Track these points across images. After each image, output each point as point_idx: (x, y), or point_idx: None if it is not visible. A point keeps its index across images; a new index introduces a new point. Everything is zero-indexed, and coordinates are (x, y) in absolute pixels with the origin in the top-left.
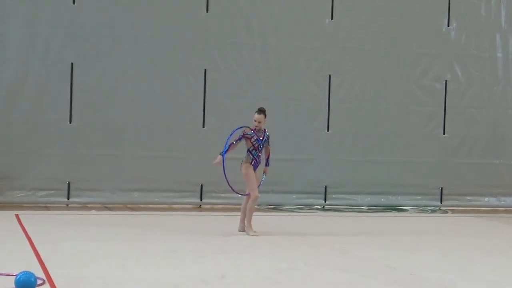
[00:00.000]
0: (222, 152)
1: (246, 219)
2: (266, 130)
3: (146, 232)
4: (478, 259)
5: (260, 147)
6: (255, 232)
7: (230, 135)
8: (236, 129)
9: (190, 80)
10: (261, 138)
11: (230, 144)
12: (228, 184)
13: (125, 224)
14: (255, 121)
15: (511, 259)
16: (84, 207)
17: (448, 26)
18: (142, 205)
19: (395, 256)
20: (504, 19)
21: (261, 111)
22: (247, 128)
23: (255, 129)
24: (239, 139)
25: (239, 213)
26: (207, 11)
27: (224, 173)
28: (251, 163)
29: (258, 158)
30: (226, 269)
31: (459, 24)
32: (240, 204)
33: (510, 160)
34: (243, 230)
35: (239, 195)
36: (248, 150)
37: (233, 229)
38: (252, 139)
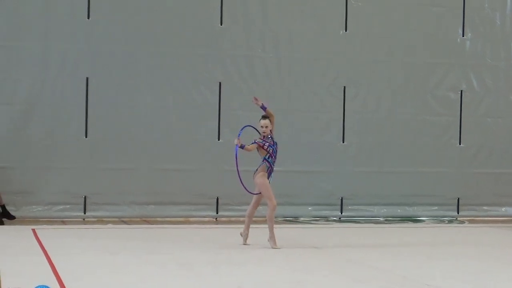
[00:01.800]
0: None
1: (269, 229)
2: (272, 136)
3: (162, 245)
4: (495, 269)
5: (275, 152)
6: (276, 245)
7: (240, 131)
8: (245, 126)
9: (204, 93)
10: (272, 144)
11: (249, 148)
12: (239, 178)
13: (141, 238)
14: (262, 126)
15: None
16: (101, 221)
17: (463, 36)
18: (158, 218)
19: (411, 267)
20: None
21: (266, 116)
22: (257, 139)
23: (263, 137)
24: (253, 143)
25: (254, 225)
26: (221, 24)
27: (236, 163)
28: (267, 171)
29: (274, 166)
30: (242, 281)
31: (474, 34)
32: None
33: None
34: (246, 239)
35: (249, 193)
36: (265, 159)
37: (249, 241)
38: (265, 146)
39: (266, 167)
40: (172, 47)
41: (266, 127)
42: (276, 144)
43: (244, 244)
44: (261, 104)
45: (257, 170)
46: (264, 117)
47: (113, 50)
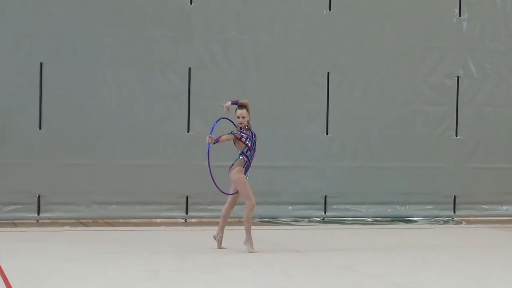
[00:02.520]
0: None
1: (245, 232)
2: (252, 127)
3: (126, 250)
4: (495, 273)
5: (253, 145)
6: (253, 249)
7: (214, 125)
8: (218, 119)
9: (173, 80)
10: (250, 135)
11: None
12: (212, 177)
13: (102, 241)
14: (238, 117)
15: None
16: (56, 222)
17: (460, 16)
18: (121, 220)
19: (403, 272)
20: None
21: (242, 106)
22: (234, 131)
23: (241, 128)
24: (230, 134)
25: (228, 227)
26: (190, 3)
27: (209, 163)
28: (244, 166)
29: (251, 160)
30: None
31: (471, 14)
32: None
33: None
34: (220, 242)
35: (224, 194)
36: (242, 153)
37: (225, 244)
38: (243, 138)
39: (243, 161)
40: (136, 28)
41: (243, 117)
42: (255, 135)
43: (219, 248)
44: (229, 104)
45: (233, 165)
46: (240, 106)
47: (71, 32)
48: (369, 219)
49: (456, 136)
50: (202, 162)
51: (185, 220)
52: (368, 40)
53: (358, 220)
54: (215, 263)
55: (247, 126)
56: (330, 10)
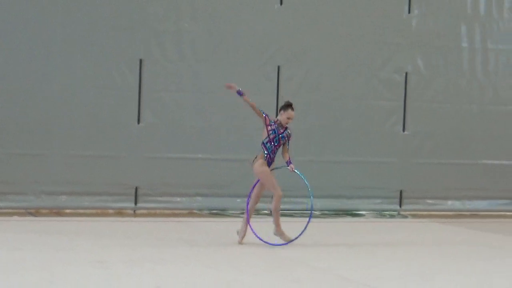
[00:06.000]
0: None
1: (275, 222)
2: (289, 128)
3: (74, 241)
4: (440, 267)
5: (276, 140)
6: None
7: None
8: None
9: (123, 72)
10: (279, 132)
11: (258, 110)
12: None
13: (51, 232)
14: (289, 118)
15: (474, 267)
16: (5, 213)
17: (409, 12)
18: (70, 210)
19: (350, 266)
20: (470, 5)
21: (292, 107)
22: (272, 118)
23: (277, 121)
24: (262, 112)
25: (178, 219)
26: None
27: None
28: (265, 158)
29: (273, 155)
30: (162, 282)
31: (421, 11)
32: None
33: (477, 159)
34: (243, 237)
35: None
36: (263, 143)
37: (172, 236)
38: (269, 127)
39: (264, 154)
40: (88, 19)
41: (292, 119)
42: (286, 136)
43: (240, 243)
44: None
45: (256, 157)
46: (292, 107)
47: (21, 21)
48: (317, 212)
49: (404, 131)
50: (152, 154)
51: (134, 211)
52: (319, 35)
53: (306, 213)
54: (164, 255)
55: (286, 125)
56: (281, 4)
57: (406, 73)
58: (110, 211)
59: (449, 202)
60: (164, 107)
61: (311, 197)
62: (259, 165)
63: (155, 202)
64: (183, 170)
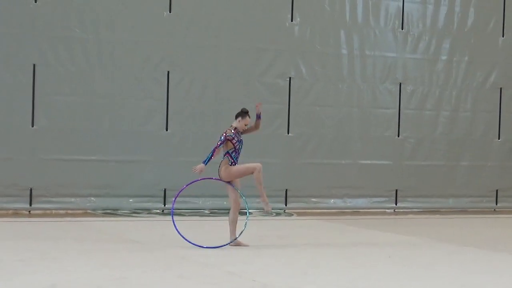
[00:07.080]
0: (204, 160)
1: (260, 193)
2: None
3: None
4: (322, 263)
5: (240, 149)
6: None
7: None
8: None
9: (17, 76)
10: (241, 139)
11: (214, 150)
12: (180, 234)
13: None
14: (246, 125)
15: (355, 263)
16: None
17: (292, 20)
18: None
19: (236, 261)
20: (349, 14)
21: (248, 113)
22: (228, 129)
23: (235, 129)
24: (222, 142)
25: (72, 218)
26: (35, 1)
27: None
28: (230, 165)
29: (237, 161)
30: (57, 279)
31: (303, 19)
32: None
33: (356, 160)
34: (238, 244)
35: (213, 179)
36: (228, 153)
37: (66, 235)
38: (234, 140)
39: (229, 161)
40: None
41: (247, 125)
42: (242, 141)
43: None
44: (259, 112)
45: (219, 166)
46: (248, 114)
47: None
48: (206, 211)
49: (288, 133)
50: (46, 155)
51: (29, 212)
52: (206, 41)
53: (196, 212)
54: (58, 254)
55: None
56: (170, 12)
57: (290, 78)
58: (6, 211)
59: (332, 200)
60: (57, 110)
61: (243, 197)
62: (226, 169)
63: (50, 203)
64: (76, 171)
